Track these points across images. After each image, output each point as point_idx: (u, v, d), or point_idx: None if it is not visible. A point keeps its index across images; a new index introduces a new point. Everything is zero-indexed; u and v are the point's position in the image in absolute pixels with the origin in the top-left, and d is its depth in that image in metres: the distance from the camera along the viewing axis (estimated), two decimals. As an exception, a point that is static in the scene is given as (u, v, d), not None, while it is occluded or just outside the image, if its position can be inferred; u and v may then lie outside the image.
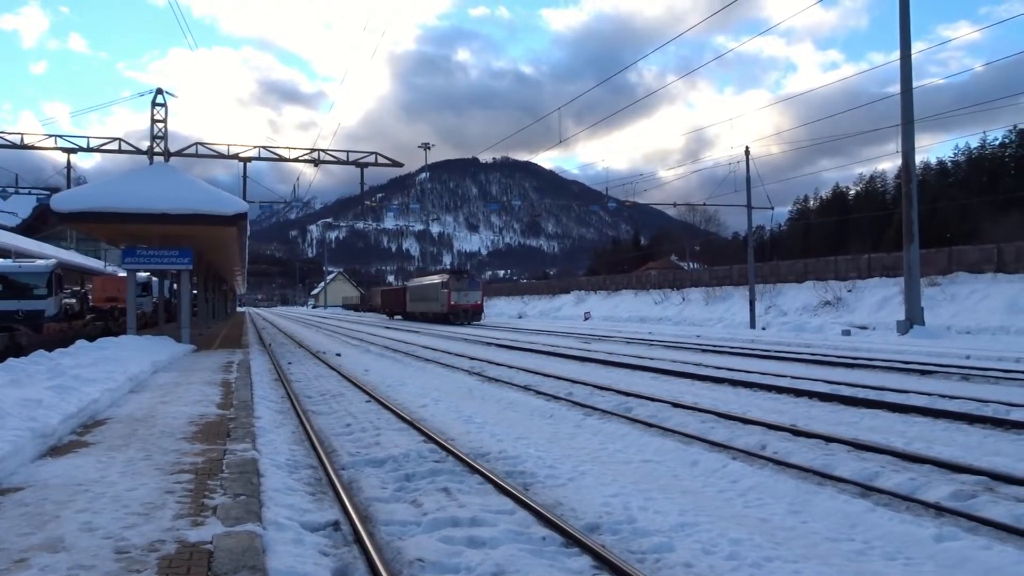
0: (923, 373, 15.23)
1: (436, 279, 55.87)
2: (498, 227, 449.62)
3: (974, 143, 67.29)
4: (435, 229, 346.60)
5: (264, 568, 4.08)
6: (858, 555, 5.00)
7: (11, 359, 11.49)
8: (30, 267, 29.22)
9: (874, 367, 16.62)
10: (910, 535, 5.26)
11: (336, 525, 5.51)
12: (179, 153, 33.92)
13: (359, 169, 35.50)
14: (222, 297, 63.43)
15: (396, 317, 67.97)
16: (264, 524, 4.89)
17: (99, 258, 56.77)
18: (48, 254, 37.71)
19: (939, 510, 5.87)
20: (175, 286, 34.15)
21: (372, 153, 35.51)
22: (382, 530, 5.46)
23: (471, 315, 51.41)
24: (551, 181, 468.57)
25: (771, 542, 5.20)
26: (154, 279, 39.21)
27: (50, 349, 13.47)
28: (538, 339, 30.40)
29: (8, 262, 29.81)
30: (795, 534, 5.44)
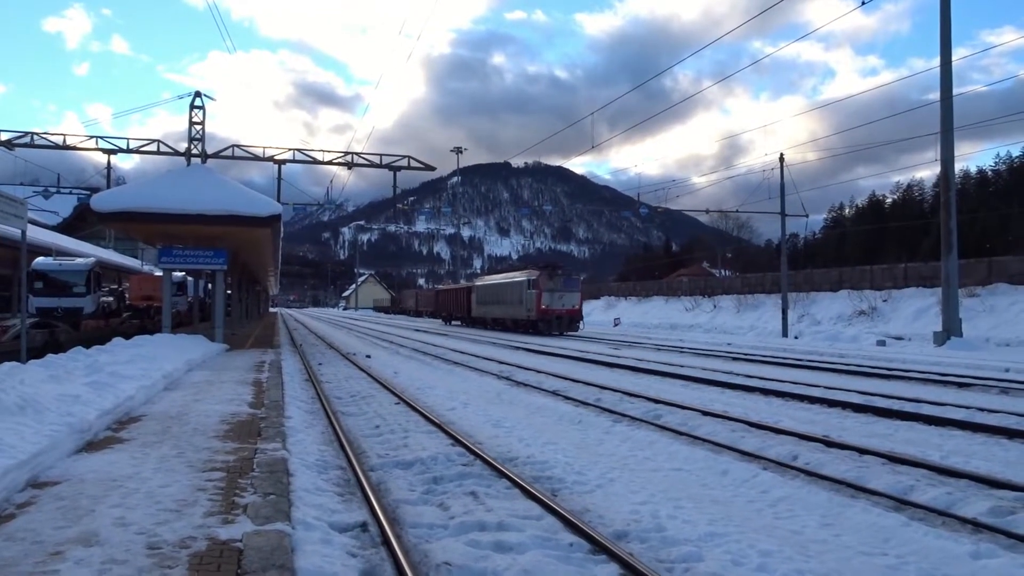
0: (961, 386, 14.92)
1: (519, 276, 43.62)
2: (529, 232, 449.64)
3: (1015, 151, 65.98)
4: (466, 233, 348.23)
5: (292, 567, 4.11)
6: (892, 570, 4.90)
7: (50, 355, 11.72)
8: (70, 265, 29.83)
9: (910, 379, 16.31)
10: (946, 551, 5.14)
11: (364, 526, 5.53)
12: (216, 155, 34.42)
13: (392, 172, 35.73)
14: (255, 297, 64.20)
15: (454, 323, 58.71)
16: (293, 523, 4.93)
17: (136, 257, 57.78)
18: (87, 253, 38.48)
19: (976, 526, 5.73)
20: (209, 286, 34.63)
21: (405, 156, 35.72)
22: (409, 532, 5.48)
23: (566, 323, 39.60)
24: (582, 186, 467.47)
25: (802, 555, 5.11)
26: (189, 279, 39.84)
27: (88, 346, 13.72)
28: (567, 343, 30.32)
29: (49, 260, 30.45)
30: (827, 547, 5.35)
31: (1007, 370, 17.90)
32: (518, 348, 27.83)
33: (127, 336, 17.89)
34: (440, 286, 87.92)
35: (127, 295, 38.82)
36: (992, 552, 5.08)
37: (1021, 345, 26.87)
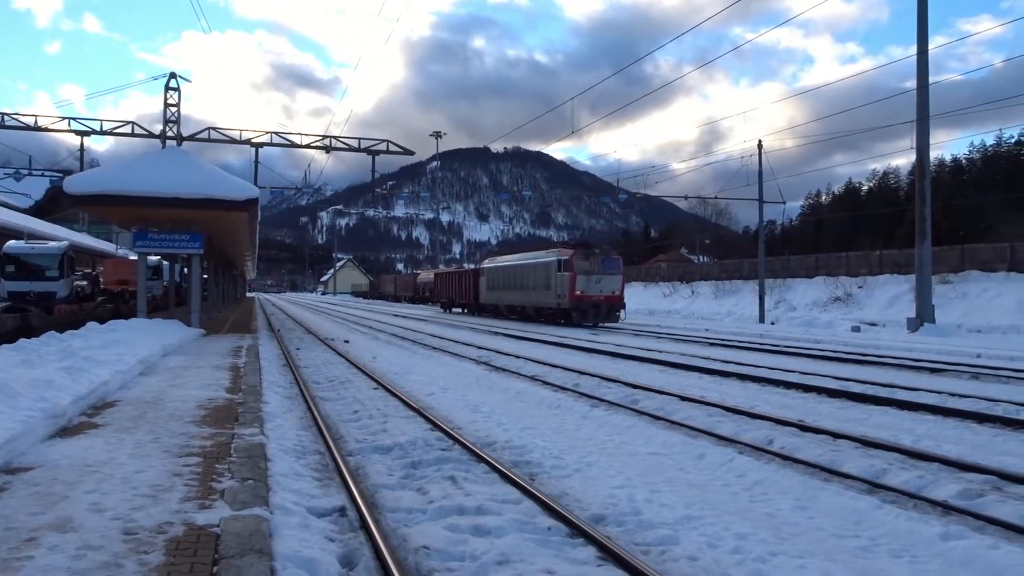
0: (933, 371, 15.15)
1: (546, 256, 36.08)
2: (508, 217, 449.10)
3: (990, 140, 66.94)
4: (445, 218, 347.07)
5: (271, 552, 4.10)
6: (864, 552, 4.99)
7: (23, 340, 11.56)
8: (42, 249, 29.40)
9: (883, 364, 16.54)
10: (916, 533, 5.24)
11: (343, 511, 5.54)
12: (192, 138, 33.96)
13: (370, 156, 35.47)
14: (232, 282, 63.68)
15: (455, 310, 52.41)
16: (271, 508, 4.92)
17: (111, 241, 57.05)
18: (60, 236, 37.93)
19: (946, 508, 5.85)
20: (185, 270, 34.30)
21: (384, 141, 35.45)
22: (388, 517, 5.48)
23: (604, 312, 32.75)
24: (562, 172, 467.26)
25: (776, 537, 5.19)
26: (164, 263, 39.39)
27: (61, 331, 13.55)
28: (546, 329, 30.39)
29: (21, 243, 29.99)
30: (800, 529, 5.43)
31: (978, 356, 18.20)
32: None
33: (101, 321, 17.67)
34: (442, 268, 77.09)
35: (101, 279, 38.37)
36: (961, 534, 5.18)
37: (992, 331, 27.33)
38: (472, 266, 57.95)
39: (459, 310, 51.87)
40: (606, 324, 32.97)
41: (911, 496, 6.17)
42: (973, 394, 11.42)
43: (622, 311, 33.55)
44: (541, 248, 40.65)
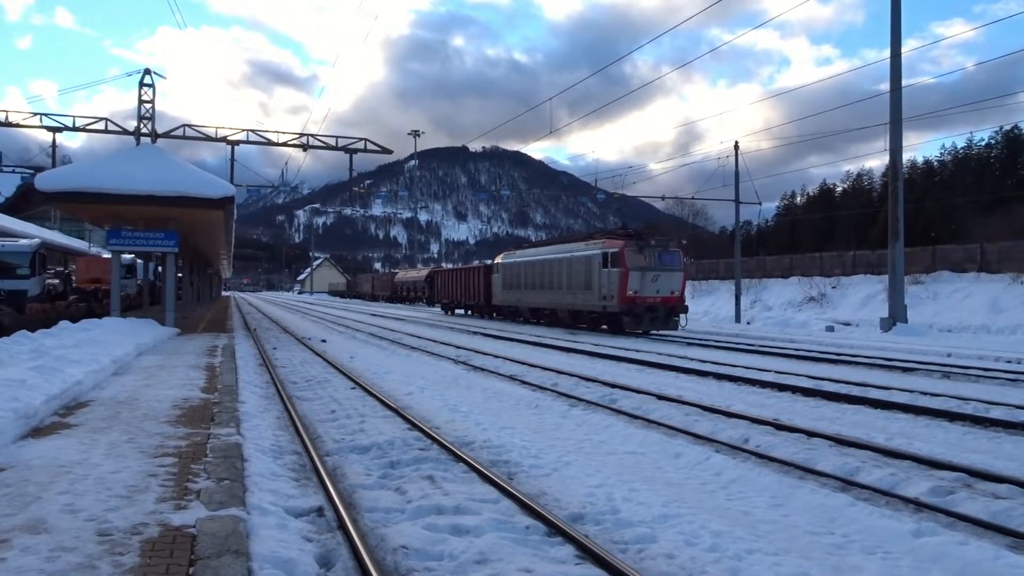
0: (905, 370, 15.37)
1: (586, 248, 29.46)
2: (486, 216, 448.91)
3: (961, 143, 67.84)
4: (423, 217, 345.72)
5: (248, 553, 4.08)
6: (837, 549, 5.06)
7: (-7, 339, 11.37)
8: (13, 247, 28.94)
9: (857, 363, 16.74)
10: (889, 530, 5.32)
11: (320, 511, 5.51)
12: (166, 135, 33.62)
13: (348, 155, 35.32)
14: (207, 281, 63.07)
15: (458, 312, 47.77)
16: (248, 509, 4.89)
17: (83, 239, 56.30)
18: (32, 234, 37.37)
19: (918, 505, 5.94)
20: (160, 269, 33.96)
21: (361, 139, 35.32)
22: (366, 517, 5.47)
23: (662, 318, 26.45)
24: (540, 171, 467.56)
25: (752, 535, 5.24)
26: (139, 261, 38.94)
27: (33, 330, 13.36)
28: (525, 329, 30.42)
29: (-9, 241, 29.48)
30: (776, 527, 5.49)
31: (949, 355, 18.48)
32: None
33: (74, 320, 17.44)
34: (445, 266, 70.19)
35: (74, 278, 37.84)
36: (932, 530, 5.27)
37: (963, 331, 27.76)
38: (479, 262, 53.82)
39: (462, 312, 47.19)
40: (662, 332, 26.98)
41: (884, 493, 6.26)
42: (944, 393, 11.60)
43: (682, 316, 27.13)
44: (575, 239, 33.32)
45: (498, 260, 39.08)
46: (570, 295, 30.28)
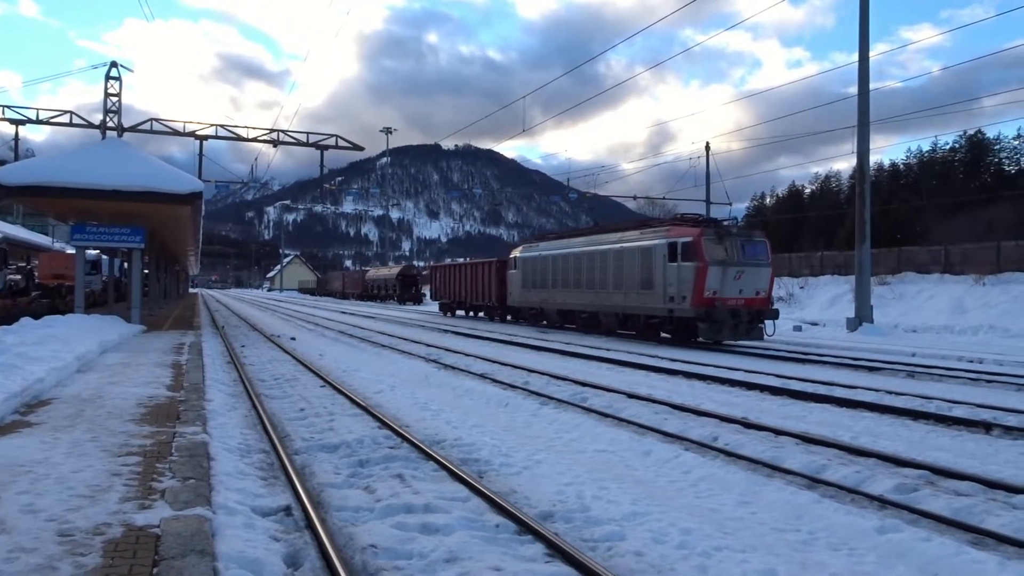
0: (871, 370, 15.60)
1: (644, 238, 24.14)
2: (458, 215, 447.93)
3: (926, 147, 68.96)
4: (395, 215, 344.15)
5: (213, 552, 4.02)
6: (803, 545, 5.12)
7: (-49, 335, 11.10)
8: (-27, 241, 28.29)
9: (824, 363, 16.96)
10: (854, 526, 5.39)
11: (288, 510, 5.46)
12: (133, 129, 33.03)
13: (319, 151, 35.00)
14: (174, 277, 62.20)
15: (459, 313, 43.39)
16: (214, 508, 4.82)
17: (47, 234, 55.24)
18: (-7, 228, 36.56)
19: (882, 503, 6.03)
20: (125, 265, 33.43)
21: (332, 136, 34.99)
22: (334, 516, 5.42)
23: (745, 324, 21.25)
24: (513, 170, 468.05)
25: (720, 532, 5.28)
26: (104, 257, 38.30)
27: (-7, 326, 13.06)
28: (494, 327, 30.40)
29: (-50, 235, 28.81)
30: (743, 524, 5.54)
31: (913, 355, 18.79)
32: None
33: (36, 316, 17.08)
34: (448, 262, 62.76)
35: (37, 273, 37.12)
36: (896, 527, 5.35)
37: (927, 331, 28.25)
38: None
39: (463, 313, 42.71)
40: (744, 343, 22.00)
41: (849, 491, 6.35)
42: (909, 392, 11.79)
43: (770, 323, 21.69)
44: (622, 228, 27.38)
45: (516, 254, 33.92)
46: (618, 295, 25.06)
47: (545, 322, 31.42)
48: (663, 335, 23.53)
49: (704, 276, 20.98)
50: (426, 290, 68.38)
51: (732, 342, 21.88)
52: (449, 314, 43.59)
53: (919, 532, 5.25)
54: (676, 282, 21.81)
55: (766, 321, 21.55)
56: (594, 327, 27.14)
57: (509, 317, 35.86)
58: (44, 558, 3.75)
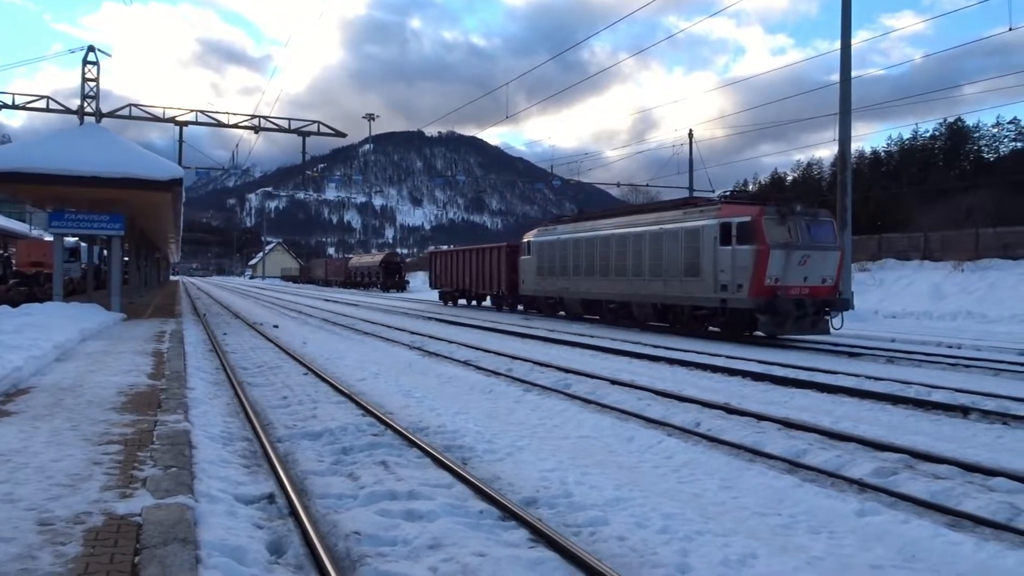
0: (851, 355, 15.75)
1: (690, 218, 21.23)
2: (442, 202, 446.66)
3: (907, 134, 69.43)
4: (377, 202, 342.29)
5: (196, 541, 4.00)
6: (784, 529, 5.17)
7: (-73, 324, 10.96)
8: (-51, 228, 27.90)
9: (805, 348, 17.11)
10: (834, 510, 5.46)
11: (271, 498, 5.44)
12: (112, 114, 32.61)
13: (301, 138, 34.73)
14: (155, 265, 61.66)
15: (461, 302, 40.88)
16: (196, 496, 4.80)
17: (24, 221, 54.54)
18: (-31, 215, 36.05)
19: (862, 486, 6.10)
20: (105, 252, 33.08)
21: (315, 122, 34.73)
22: (318, 503, 5.41)
23: (811, 316, 18.37)
24: (497, 157, 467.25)
25: (702, 516, 5.32)
26: (83, 244, 37.90)
27: (-30, 314, 12.90)
28: (479, 315, 30.40)
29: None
30: (725, 509, 5.59)
31: (893, 340, 18.99)
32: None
33: (14, 304, 16.90)
34: (448, 247, 58.75)
35: (14, 261, 36.68)
36: (875, 510, 5.42)
37: (906, 317, 28.53)
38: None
39: (464, 303, 40.42)
40: (809, 337, 19.13)
41: (829, 475, 6.41)
42: (888, 377, 11.91)
43: (839, 313, 19.14)
44: (658, 208, 24.52)
45: (529, 238, 31.07)
46: (657, 283, 22.22)
47: (563, 312, 29.01)
48: (711, 328, 20.88)
49: (765, 261, 18.25)
50: (411, 277, 67.60)
51: (795, 336, 19.11)
52: (451, 303, 41.18)
53: (897, 515, 5.32)
54: (730, 268, 19.05)
55: (833, 313, 18.92)
56: (623, 319, 24.47)
57: (520, 307, 33.38)
58: (23, 547, 3.71)
